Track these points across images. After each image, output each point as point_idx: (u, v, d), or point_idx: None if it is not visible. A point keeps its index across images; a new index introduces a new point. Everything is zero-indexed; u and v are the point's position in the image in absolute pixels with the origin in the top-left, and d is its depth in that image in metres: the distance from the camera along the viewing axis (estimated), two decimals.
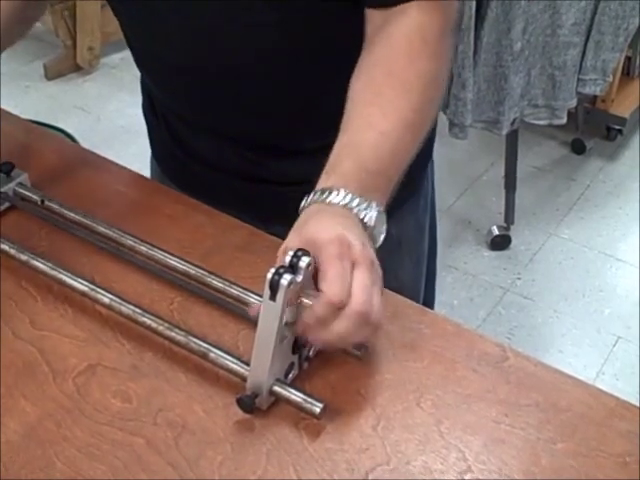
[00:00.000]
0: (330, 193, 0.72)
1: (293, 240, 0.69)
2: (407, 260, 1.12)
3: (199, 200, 0.96)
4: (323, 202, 0.72)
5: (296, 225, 0.72)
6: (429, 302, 1.24)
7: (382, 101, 0.78)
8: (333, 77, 0.83)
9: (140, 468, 0.66)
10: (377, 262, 0.70)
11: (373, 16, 0.82)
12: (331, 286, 0.65)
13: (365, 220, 0.72)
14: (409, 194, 1.04)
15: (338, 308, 0.65)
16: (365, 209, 0.72)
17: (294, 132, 0.95)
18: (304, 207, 0.74)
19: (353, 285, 0.66)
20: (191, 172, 1.04)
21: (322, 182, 0.74)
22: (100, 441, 0.68)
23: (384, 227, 0.74)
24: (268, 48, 0.86)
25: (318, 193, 0.73)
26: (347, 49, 0.81)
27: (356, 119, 0.78)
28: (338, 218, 0.70)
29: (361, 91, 0.79)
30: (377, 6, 0.81)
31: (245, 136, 0.97)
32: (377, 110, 0.78)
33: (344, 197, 0.71)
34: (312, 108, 0.92)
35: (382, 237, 0.74)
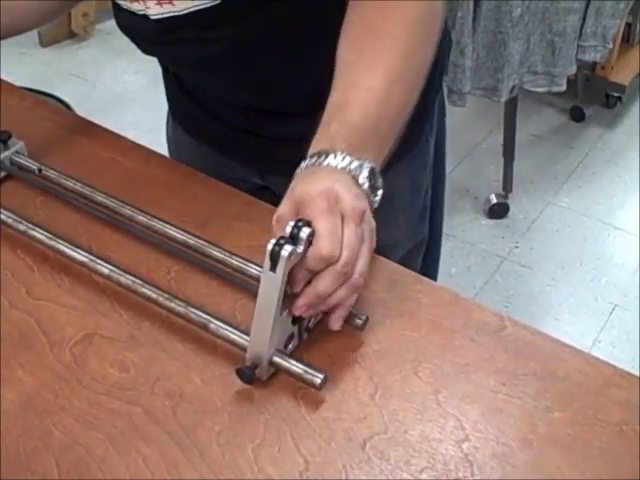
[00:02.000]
0: (320, 156, 0.71)
1: (285, 204, 0.69)
2: (401, 218, 1.11)
3: (210, 149, 1.01)
4: (310, 165, 0.72)
5: (288, 190, 0.71)
6: (431, 274, 1.24)
7: (365, 57, 0.77)
8: (321, 40, 0.83)
9: (138, 437, 0.66)
10: (369, 214, 0.69)
11: None
12: (321, 240, 0.65)
13: (359, 180, 0.71)
14: (400, 154, 1.03)
15: (328, 263, 0.65)
16: (356, 168, 0.71)
17: (291, 100, 0.96)
18: (296, 174, 0.73)
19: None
20: (196, 120, 1.07)
21: (312, 147, 0.74)
22: (98, 410, 0.68)
23: (380, 182, 0.73)
24: (269, 31, 0.86)
25: (311, 158, 0.72)
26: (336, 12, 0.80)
27: (341, 80, 0.76)
28: (327, 174, 0.70)
29: (345, 52, 0.78)
30: None
31: (246, 102, 0.99)
32: (361, 67, 0.76)
33: (334, 159, 0.71)
34: (309, 81, 0.91)
35: (380, 193, 0.73)
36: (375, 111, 0.75)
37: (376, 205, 0.73)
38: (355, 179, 0.71)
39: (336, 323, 0.71)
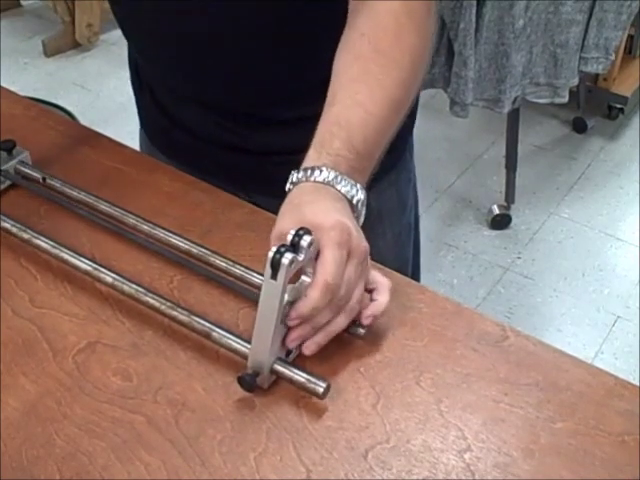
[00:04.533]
0: (320, 172, 0.72)
1: (288, 224, 0.69)
2: (389, 233, 1.12)
3: (182, 168, 0.97)
4: (312, 180, 0.72)
5: (287, 206, 0.72)
6: (416, 277, 1.25)
7: (369, 79, 0.78)
8: (316, 47, 0.83)
9: (140, 445, 0.66)
10: (368, 257, 0.72)
11: None
12: (327, 270, 0.67)
13: (353, 201, 0.73)
14: (389, 166, 1.04)
15: (332, 293, 0.67)
16: (352, 189, 0.73)
17: (274, 102, 0.95)
18: (291, 184, 0.74)
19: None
20: (176, 140, 1.05)
21: (311, 159, 0.74)
22: (100, 419, 0.68)
23: (364, 210, 0.75)
24: (252, 17, 0.86)
25: (308, 171, 0.73)
26: (330, 20, 0.80)
27: (343, 95, 0.77)
28: (332, 202, 0.71)
29: (348, 66, 0.79)
30: None
31: (226, 105, 0.97)
32: (364, 88, 0.77)
33: (335, 177, 0.72)
34: (294, 78, 0.92)
35: (363, 217, 0.76)
36: (373, 137, 0.77)
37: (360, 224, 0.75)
38: (352, 205, 0.73)
39: (312, 346, 0.71)
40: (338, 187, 0.72)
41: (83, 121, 1.42)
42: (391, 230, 1.12)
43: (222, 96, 0.95)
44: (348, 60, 0.79)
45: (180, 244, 0.83)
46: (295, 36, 0.88)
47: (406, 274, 1.12)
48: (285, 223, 0.70)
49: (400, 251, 1.16)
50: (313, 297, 0.67)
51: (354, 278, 0.69)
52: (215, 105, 0.97)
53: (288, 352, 0.71)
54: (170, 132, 1.05)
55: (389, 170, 1.05)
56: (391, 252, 1.13)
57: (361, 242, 0.70)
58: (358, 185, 0.74)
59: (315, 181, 0.72)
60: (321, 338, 0.71)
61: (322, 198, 0.71)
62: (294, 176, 0.74)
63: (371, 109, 0.76)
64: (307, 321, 0.69)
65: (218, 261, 0.81)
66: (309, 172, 0.73)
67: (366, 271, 0.72)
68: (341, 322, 0.70)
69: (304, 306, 0.67)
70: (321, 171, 0.72)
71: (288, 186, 0.74)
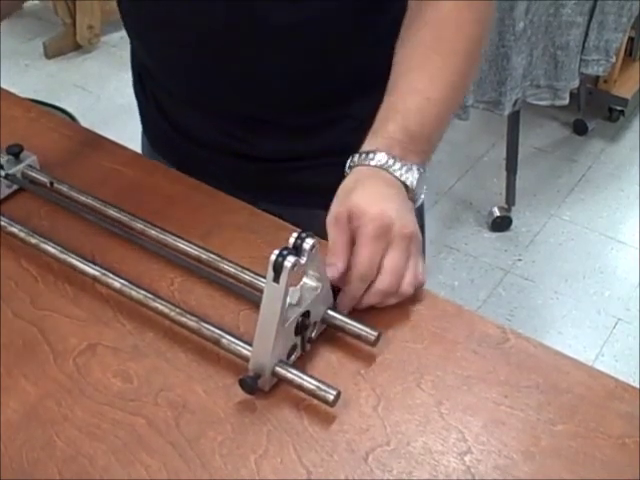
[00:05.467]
0: (374, 155, 0.74)
1: (340, 205, 0.73)
2: None
3: (188, 175, 0.97)
4: (366, 164, 0.75)
5: (341, 190, 0.75)
6: None
7: (430, 66, 0.80)
8: (332, 55, 0.83)
9: (140, 447, 0.66)
10: (417, 231, 0.74)
11: None
12: (359, 265, 0.71)
13: (407, 183, 0.75)
14: None
15: (365, 283, 0.71)
16: (407, 172, 0.75)
17: (288, 109, 0.95)
18: (349, 168, 0.76)
19: (385, 264, 0.71)
20: (179, 147, 1.05)
21: (366, 144, 0.76)
22: (101, 421, 0.68)
23: (424, 187, 0.77)
24: (274, 30, 0.86)
25: (362, 155, 0.75)
26: (347, 31, 0.81)
27: (403, 83, 0.79)
28: (383, 187, 0.73)
29: (408, 55, 0.81)
30: None
31: (232, 111, 0.96)
32: (425, 75, 0.79)
33: (387, 160, 0.74)
34: (308, 86, 0.92)
35: (422, 197, 0.78)
36: (432, 121, 0.79)
37: (418, 205, 0.78)
38: (404, 184, 0.75)
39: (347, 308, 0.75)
40: (392, 170, 0.74)
41: (84, 123, 1.42)
42: None
43: (227, 101, 0.95)
44: (409, 49, 0.81)
45: (180, 246, 0.83)
46: (312, 44, 0.88)
47: None
48: (335, 207, 0.73)
49: None
50: (349, 290, 0.72)
51: (401, 265, 0.72)
52: (224, 111, 0.97)
53: (289, 355, 0.71)
54: (173, 139, 1.05)
55: None
56: None
57: (406, 227, 0.72)
58: (414, 167, 0.75)
59: (370, 165, 0.74)
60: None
61: (374, 183, 0.74)
62: (351, 160, 0.76)
63: (430, 95, 0.78)
64: (358, 304, 0.74)
65: (219, 263, 0.81)
66: (363, 156, 0.75)
67: (417, 253, 0.74)
68: (389, 302, 0.75)
69: (345, 301, 0.73)
70: (375, 154, 0.74)
71: (346, 170, 0.77)
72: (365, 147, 0.76)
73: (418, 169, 0.76)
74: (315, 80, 0.90)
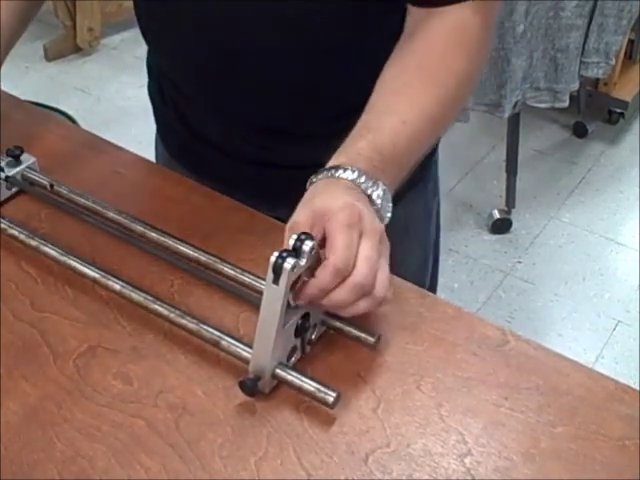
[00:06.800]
0: (337, 170, 0.72)
1: (301, 214, 0.69)
2: (415, 245, 1.11)
3: (204, 182, 0.96)
4: (331, 177, 0.72)
5: (303, 199, 0.72)
6: (433, 288, 1.24)
7: (409, 91, 0.79)
8: (351, 65, 0.83)
9: (140, 449, 0.66)
10: (385, 235, 0.70)
11: (415, 11, 0.82)
12: (337, 253, 0.65)
13: (372, 197, 0.72)
14: (417, 178, 1.04)
15: (341, 276, 0.66)
16: (372, 186, 0.72)
17: (304, 116, 0.94)
18: (310, 184, 0.74)
19: (358, 256, 0.66)
20: (197, 153, 1.04)
21: (333, 159, 0.74)
22: (100, 422, 0.68)
23: (390, 207, 0.74)
24: (292, 34, 0.86)
25: (328, 171, 0.73)
26: (368, 41, 0.81)
27: (380, 105, 0.78)
28: (346, 190, 0.70)
29: (391, 80, 0.80)
30: (420, 5, 0.81)
31: (254, 118, 0.96)
32: (403, 99, 0.78)
33: (352, 173, 0.72)
34: (333, 94, 0.91)
35: (388, 217, 0.74)
36: (404, 144, 0.76)
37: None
38: (369, 198, 0.72)
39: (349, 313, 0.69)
40: (357, 183, 0.71)
41: (84, 125, 1.42)
42: (417, 242, 1.12)
43: (249, 108, 0.94)
44: (392, 74, 0.80)
45: (180, 248, 0.83)
46: (330, 54, 0.88)
47: (423, 284, 1.12)
48: (297, 215, 0.70)
49: (424, 262, 1.16)
50: (321, 278, 0.66)
51: (374, 256, 0.67)
52: (240, 117, 0.96)
53: (289, 357, 0.71)
54: (191, 145, 1.03)
55: (418, 182, 1.05)
56: (416, 264, 1.13)
57: (374, 222, 0.69)
58: (380, 183, 0.72)
59: (330, 177, 0.72)
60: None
61: (333, 189, 0.71)
62: (314, 176, 0.74)
63: (406, 118, 0.77)
64: (326, 301, 0.67)
65: (218, 265, 0.81)
66: (331, 172, 0.73)
67: (386, 251, 0.70)
68: (363, 306, 0.68)
69: (312, 286, 0.66)
70: (338, 169, 0.72)
71: (307, 186, 0.74)
72: (331, 162, 0.74)
73: (383, 187, 0.73)
74: (342, 90, 0.90)
